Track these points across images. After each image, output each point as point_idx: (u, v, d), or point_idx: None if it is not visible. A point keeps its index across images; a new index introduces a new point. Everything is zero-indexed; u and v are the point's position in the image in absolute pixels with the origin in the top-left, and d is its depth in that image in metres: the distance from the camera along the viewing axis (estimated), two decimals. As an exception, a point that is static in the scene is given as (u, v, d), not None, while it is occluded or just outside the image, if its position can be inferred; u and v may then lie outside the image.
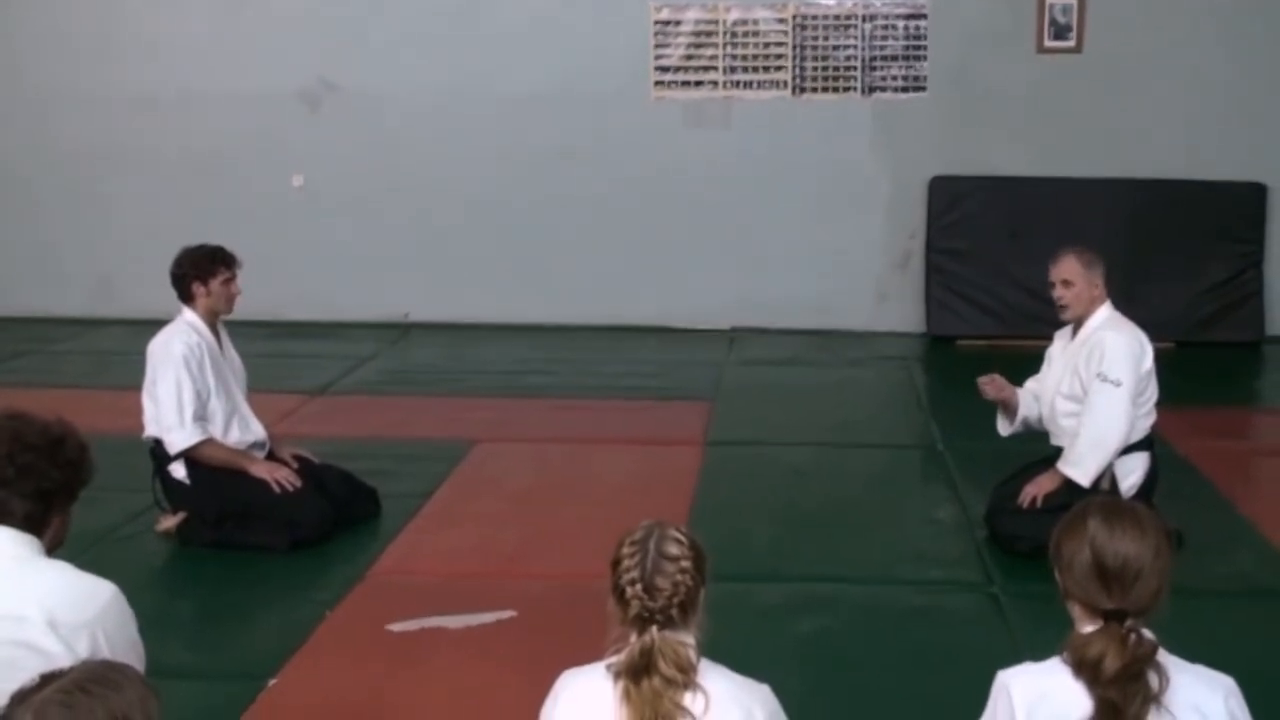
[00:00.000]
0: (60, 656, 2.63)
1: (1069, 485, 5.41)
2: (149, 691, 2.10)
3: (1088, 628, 2.65)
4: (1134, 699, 2.54)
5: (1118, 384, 5.38)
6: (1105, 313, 5.56)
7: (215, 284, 5.80)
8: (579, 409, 8.13)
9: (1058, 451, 5.64)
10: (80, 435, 3.00)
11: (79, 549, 3.10)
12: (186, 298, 5.82)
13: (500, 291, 10.61)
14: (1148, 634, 2.61)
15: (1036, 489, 5.54)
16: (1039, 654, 2.77)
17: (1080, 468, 5.46)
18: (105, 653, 2.71)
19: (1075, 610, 2.72)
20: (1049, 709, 2.61)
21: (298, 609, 5.09)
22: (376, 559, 5.61)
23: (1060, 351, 5.76)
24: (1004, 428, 6.01)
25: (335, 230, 10.65)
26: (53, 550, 2.94)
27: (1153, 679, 2.55)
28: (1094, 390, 5.43)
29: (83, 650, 2.69)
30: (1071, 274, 5.53)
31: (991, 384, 5.84)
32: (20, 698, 2.02)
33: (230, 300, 5.89)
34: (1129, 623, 2.60)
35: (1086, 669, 2.58)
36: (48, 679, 2.05)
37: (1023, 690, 2.66)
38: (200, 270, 5.79)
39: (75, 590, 2.82)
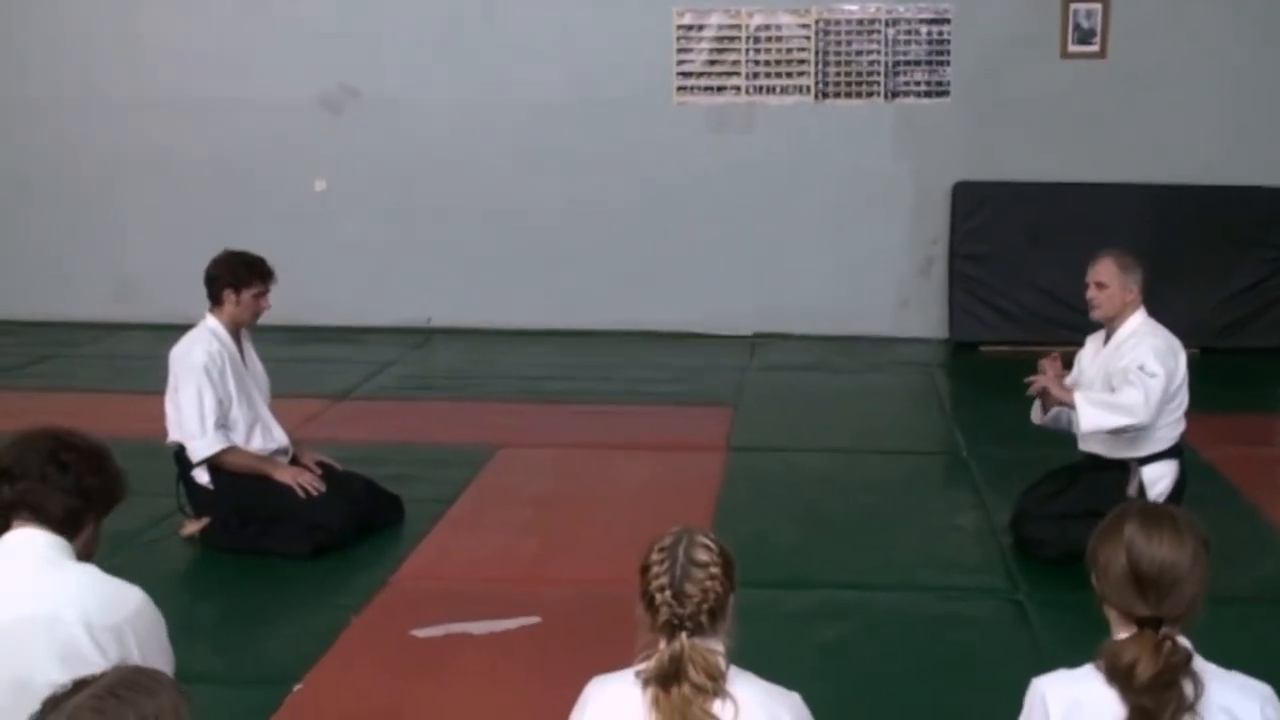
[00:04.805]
0: (94, 657, 2.65)
1: (1097, 493, 5.33)
2: (181, 697, 2.09)
3: (1123, 633, 2.65)
4: (1167, 707, 2.54)
5: (1153, 375, 5.32)
6: (1139, 319, 5.52)
7: (247, 295, 5.79)
8: (601, 414, 8.13)
9: (1084, 457, 5.61)
10: (116, 459, 3.06)
11: (105, 553, 3.10)
12: (215, 300, 5.82)
13: (522, 297, 10.62)
14: (1183, 641, 2.61)
15: (1049, 384, 5.50)
16: (1063, 661, 2.77)
17: (1093, 410, 5.37)
18: (136, 656, 2.72)
19: (1111, 615, 2.71)
20: (1083, 716, 2.61)
21: (322, 615, 5.09)
22: (400, 565, 5.61)
23: (1092, 356, 5.69)
24: (1037, 415, 5.86)
25: (357, 235, 10.67)
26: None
27: (1187, 687, 2.55)
28: (1129, 376, 5.34)
29: (114, 653, 2.71)
30: (1106, 276, 5.51)
31: (1051, 364, 5.62)
32: (53, 704, 2.02)
33: (257, 314, 5.89)
34: (1164, 630, 2.59)
35: (1120, 676, 2.58)
36: (80, 684, 2.04)
37: (1057, 696, 2.66)
38: (236, 278, 5.78)
39: (105, 593, 2.84)
